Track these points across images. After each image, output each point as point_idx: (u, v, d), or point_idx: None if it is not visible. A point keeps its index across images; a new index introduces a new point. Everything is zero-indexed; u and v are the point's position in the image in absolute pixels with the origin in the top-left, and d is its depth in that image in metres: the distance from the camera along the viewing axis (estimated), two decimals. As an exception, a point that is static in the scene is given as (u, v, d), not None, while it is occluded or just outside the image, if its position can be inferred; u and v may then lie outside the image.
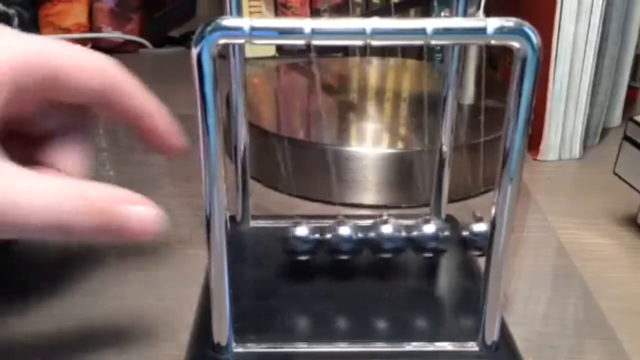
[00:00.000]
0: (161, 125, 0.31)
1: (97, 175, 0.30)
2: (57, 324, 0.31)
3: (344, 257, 0.31)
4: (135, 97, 0.30)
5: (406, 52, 0.63)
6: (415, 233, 0.31)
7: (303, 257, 0.31)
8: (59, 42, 0.28)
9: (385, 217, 0.31)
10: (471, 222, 0.32)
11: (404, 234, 0.31)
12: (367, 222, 0.32)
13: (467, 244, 0.32)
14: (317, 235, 0.31)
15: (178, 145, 0.31)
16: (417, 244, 0.31)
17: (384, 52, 0.62)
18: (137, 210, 0.27)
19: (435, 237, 0.31)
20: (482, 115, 0.50)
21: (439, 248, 0.32)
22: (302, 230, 0.31)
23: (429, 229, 0.31)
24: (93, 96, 0.29)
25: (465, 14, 0.32)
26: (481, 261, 0.28)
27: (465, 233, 0.32)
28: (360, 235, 0.31)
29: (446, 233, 0.32)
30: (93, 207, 0.26)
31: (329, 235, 0.31)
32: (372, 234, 0.31)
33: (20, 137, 0.28)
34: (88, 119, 0.31)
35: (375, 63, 0.60)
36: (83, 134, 0.31)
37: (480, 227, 0.31)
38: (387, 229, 0.31)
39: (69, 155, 0.30)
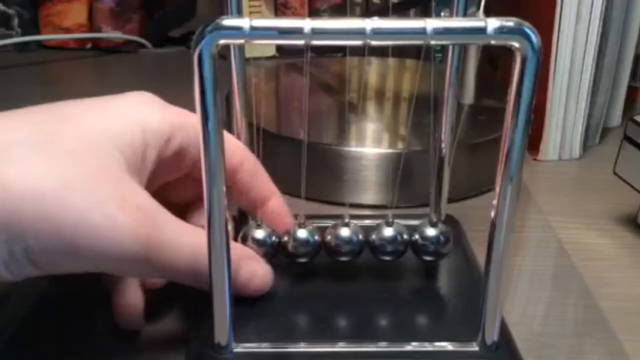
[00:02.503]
0: (278, 209, 0.32)
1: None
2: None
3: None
4: (261, 180, 0.32)
5: (404, 51, 0.63)
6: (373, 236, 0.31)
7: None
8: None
9: (347, 220, 0.31)
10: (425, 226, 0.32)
11: (361, 237, 0.31)
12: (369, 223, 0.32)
13: (417, 249, 0.32)
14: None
15: (289, 225, 0.32)
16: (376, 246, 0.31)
17: (372, 51, 0.62)
18: (258, 268, 0.29)
19: (393, 239, 0.31)
20: (482, 115, 0.50)
21: (398, 250, 0.32)
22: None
23: (388, 232, 0.31)
24: (227, 173, 0.30)
25: (465, 14, 0.32)
26: (481, 261, 0.28)
27: (415, 237, 0.32)
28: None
29: (405, 237, 0.31)
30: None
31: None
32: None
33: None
34: None
35: (375, 63, 0.61)
36: None
37: (431, 232, 0.31)
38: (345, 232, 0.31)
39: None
